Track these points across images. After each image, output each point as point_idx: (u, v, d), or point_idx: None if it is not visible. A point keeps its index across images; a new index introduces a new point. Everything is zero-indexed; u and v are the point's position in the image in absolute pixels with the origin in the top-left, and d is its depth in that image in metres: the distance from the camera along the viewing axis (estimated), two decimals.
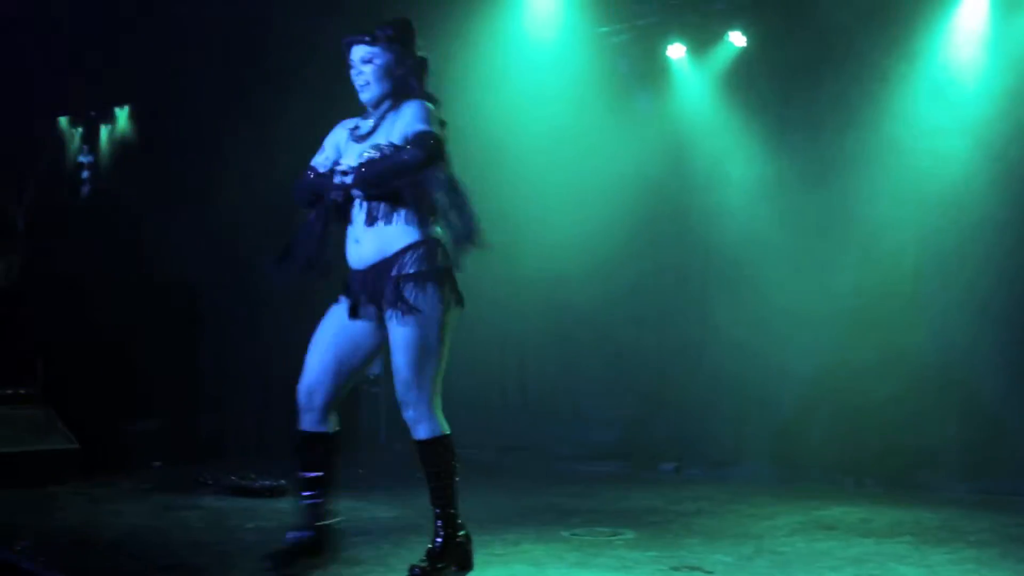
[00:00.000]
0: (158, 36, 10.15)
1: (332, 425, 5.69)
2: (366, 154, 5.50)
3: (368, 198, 5.51)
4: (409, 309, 5.39)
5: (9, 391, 9.11)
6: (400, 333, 5.41)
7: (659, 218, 9.94)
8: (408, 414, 5.52)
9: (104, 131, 11.89)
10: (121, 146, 11.67)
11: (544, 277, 10.37)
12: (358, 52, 5.68)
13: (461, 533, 5.68)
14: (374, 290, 5.51)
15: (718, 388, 9.69)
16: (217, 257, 10.53)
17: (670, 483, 9.18)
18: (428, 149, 5.37)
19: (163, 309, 10.38)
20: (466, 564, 5.70)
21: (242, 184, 10.30)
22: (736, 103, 9.68)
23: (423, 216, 5.53)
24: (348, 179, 5.49)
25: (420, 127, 5.42)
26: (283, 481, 8.32)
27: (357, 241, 5.60)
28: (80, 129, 11.90)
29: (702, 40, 9.74)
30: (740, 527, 7.15)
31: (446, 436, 5.57)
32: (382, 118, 5.62)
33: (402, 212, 5.47)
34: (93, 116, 11.86)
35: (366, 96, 5.67)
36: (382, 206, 5.49)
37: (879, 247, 9.07)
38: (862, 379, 8.96)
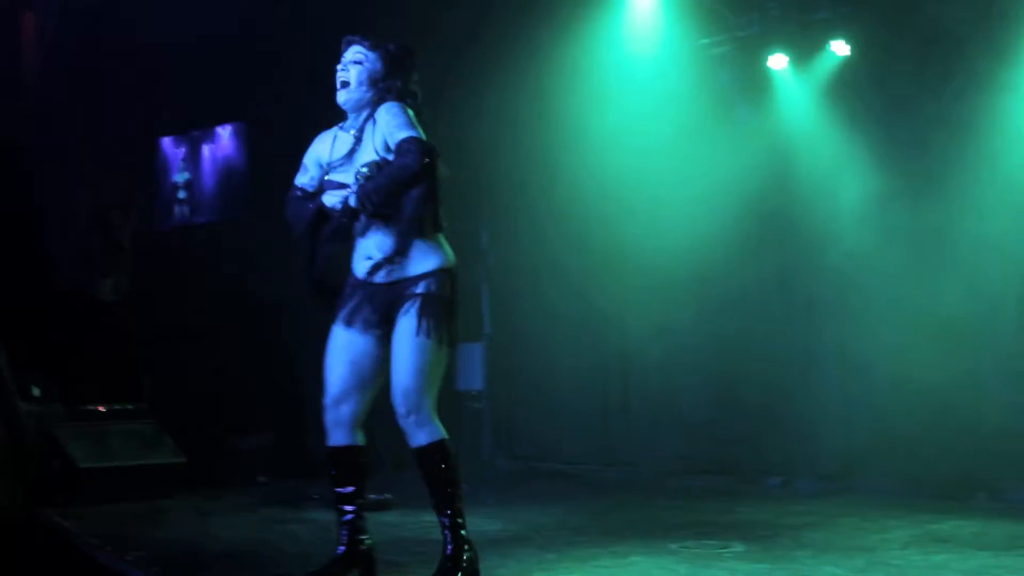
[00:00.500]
0: (261, 54, 10.24)
1: (361, 439, 5.70)
2: (363, 170, 5.46)
3: (375, 216, 5.47)
4: (429, 333, 5.40)
5: (117, 406, 9.22)
6: (406, 344, 5.41)
7: (763, 230, 9.83)
8: (407, 420, 5.48)
9: (206, 150, 12.04)
10: (224, 165, 11.80)
11: (647, 291, 10.31)
12: (352, 51, 5.66)
13: (467, 548, 5.57)
14: (385, 303, 5.51)
15: (824, 401, 9.57)
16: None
17: (777, 497, 9.07)
18: (420, 155, 5.32)
19: (269, 326, 10.46)
20: (473, 566, 5.59)
21: None
22: (839, 113, 9.56)
23: (435, 239, 5.55)
24: (351, 200, 5.43)
25: (403, 133, 5.38)
26: (389, 495, 8.36)
27: (369, 258, 5.57)
28: (183, 148, 12.05)
29: (804, 50, 9.62)
30: (851, 540, 7.03)
31: (445, 440, 5.53)
32: (361, 131, 5.57)
33: (414, 232, 5.47)
34: (196, 135, 12.01)
35: (341, 97, 5.63)
36: (390, 226, 5.48)
37: (989, 259, 8.88)
38: (973, 392, 8.80)
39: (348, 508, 5.71)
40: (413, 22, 9.56)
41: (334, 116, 5.74)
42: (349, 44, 5.68)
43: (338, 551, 5.72)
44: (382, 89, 5.59)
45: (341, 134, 5.66)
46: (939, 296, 9.03)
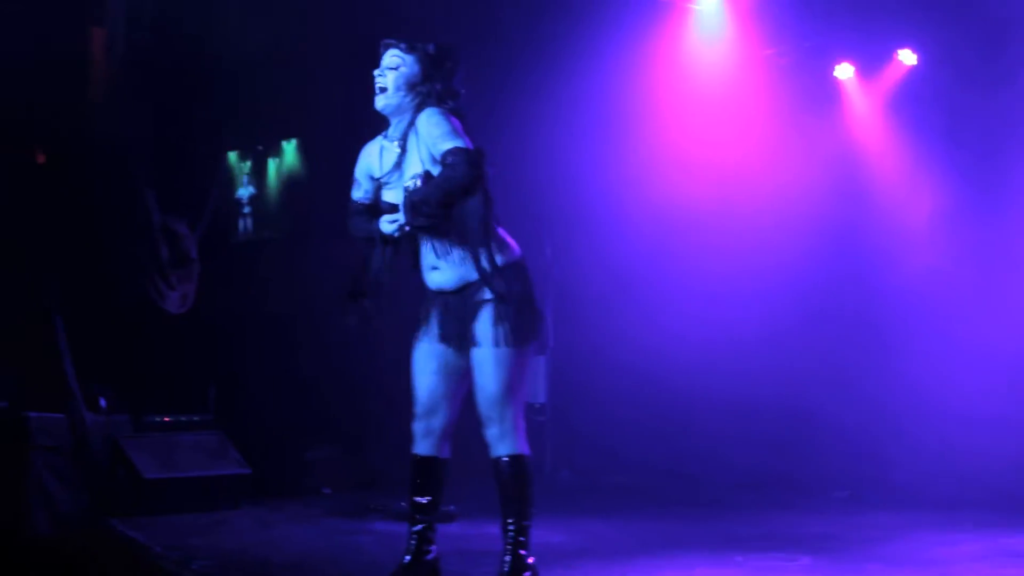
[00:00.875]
0: (327, 70, 10.27)
1: (446, 452, 5.68)
2: (409, 184, 5.40)
3: (429, 231, 5.42)
4: (499, 331, 5.37)
5: (183, 418, 9.27)
6: (486, 354, 5.40)
7: (830, 242, 9.79)
8: (492, 430, 5.47)
9: (272, 165, 12.09)
10: (288, 179, 11.84)
11: (713, 303, 10.26)
12: (389, 55, 5.57)
13: (531, 560, 5.58)
14: (459, 311, 5.48)
15: (892, 414, 9.49)
16: (390, 290, 10.57)
17: (842, 510, 8.96)
18: (467, 166, 5.26)
19: (334, 340, 10.46)
20: None
21: None
22: (907, 124, 9.51)
23: (497, 240, 5.47)
24: (401, 216, 5.39)
25: (447, 143, 5.31)
26: (452, 507, 8.32)
27: (435, 268, 5.54)
28: (248, 163, 12.10)
29: (871, 59, 9.58)
30: (922, 552, 6.94)
31: (526, 456, 5.52)
32: (405, 139, 5.49)
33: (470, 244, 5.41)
34: (261, 150, 12.06)
35: (379, 103, 5.55)
36: (448, 242, 5.44)
37: None
38: None
39: (421, 518, 5.71)
40: (474, 26, 9.58)
41: (382, 124, 5.70)
42: (386, 48, 5.60)
43: (404, 560, 5.72)
44: (421, 93, 5.51)
45: (386, 144, 5.61)
46: (1009, 311, 8.92)
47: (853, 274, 9.73)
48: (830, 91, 9.87)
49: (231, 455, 9.10)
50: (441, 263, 5.51)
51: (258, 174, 12.10)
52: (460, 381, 5.60)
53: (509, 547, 5.51)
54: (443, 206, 5.31)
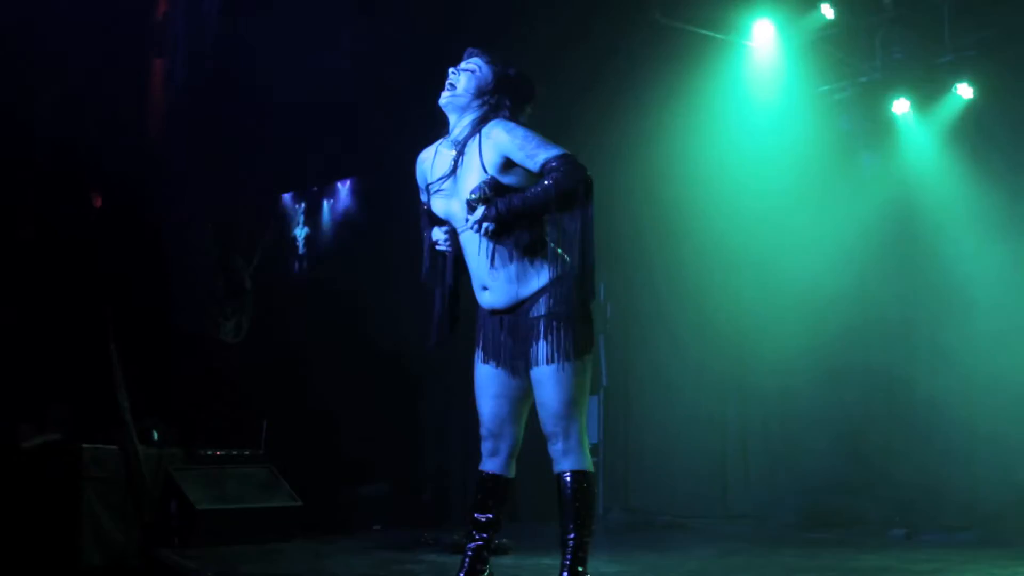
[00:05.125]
0: (382, 112, 10.33)
1: (511, 472, 5.55)
2: (471, 196, 5.24)
3: (493, 238, 5.29)
4: (557, 347, 5.23)
5: (235, 451, 9.27)
6: (544, 372, 5.25)
7: (886, 278, 9.70)
8: (557, 446, 5.31)
9: (326, 205, 12.17)
10: (343, 219, 11.91)
11: (766, 340, 10.19)
12: (469, 59, 5.49)
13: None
14: (513, 329, 5.37)
15: (948, 451, 9.35)
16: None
17: (900, 547, 8.82)
18: (578, 169, 5.10)
19: (386, 377, 10.48)
20: None
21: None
22: (964, 158, 9.43)
23: (551, 250, 5.29)
24: (487, 224, 5.23)
25: (550, 151, 5.15)
26: (505, 540, 8.26)
27: (485, 288, 5.41)
28: (303, 203, 12.19)
29: (927, 94, 9.53)
30: None
31: (591, 473, 5.36)
32: (464, 145, 5.35)
33: (526, 252, 5.28)
34: (315, 191, 12.15)
35: (444, 98, 5.41)
36: (507, 248, 5.31)
37: None
38: None
39: (478, 535, 5.57)
40: (534, 65, 9.58)
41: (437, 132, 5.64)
42: (470, 55, 5.53)
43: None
44: (487, 103, 5.41)
45: (442, 150, 5.48)
46: None
47: (908, 310, 9.64)
48: (886, 127, 9.80)
49: (282, 488, 9.09)
50: (492, 282, 5.39)
51: (312, 214, 12.18)
52: (523, 401, 5.46)
53: (567, 562, 5.40)
54: (525, 218, 5.22)
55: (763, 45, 10.09)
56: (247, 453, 9.33)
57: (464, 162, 5.35)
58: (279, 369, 9.92)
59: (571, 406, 5.27)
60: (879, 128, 9.84)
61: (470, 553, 5.57)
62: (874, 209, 9.72)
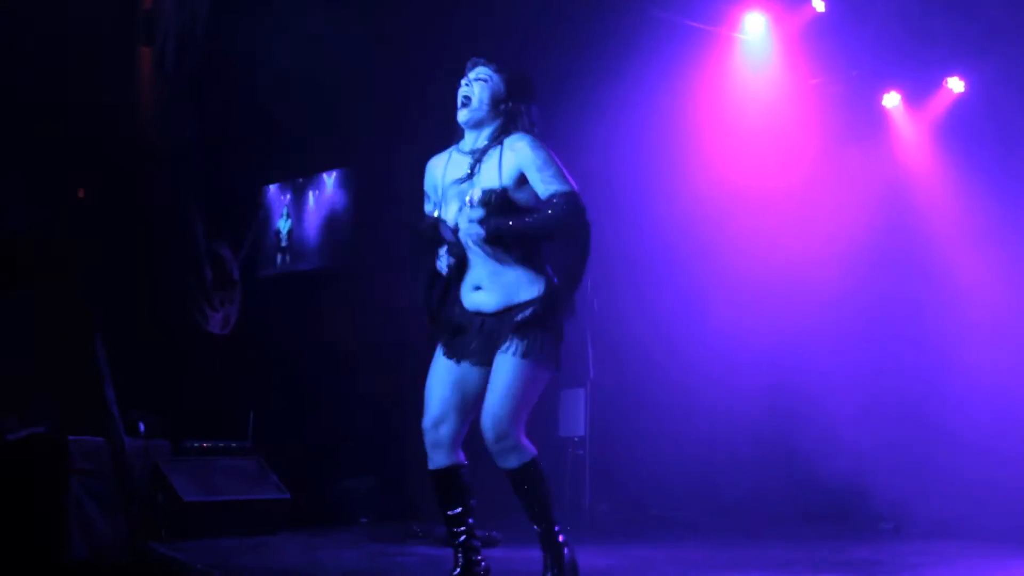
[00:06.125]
0: (369, 104, 10.27)
1: (461, 457, 5.63)
2: (477, 194, 5.42)
3: (488, 243, 5.42)
4: (526, 353, 5.36)
5: (221, 444, 9.22)
6: (508, 372, 5.38)
7: (877, 270, 9.68)
8: (498, 446, 5.44)
9: (311, 197, 12.08)
10: (329, 212, 11.83)
11: (756, 332, 10.16)
12: (476, 71, 5.62)
13: (563, 541, 5.65)
14: (493, 332, 5.46)
15: (936, 446, 9.35)
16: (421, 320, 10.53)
17: (889, 540, 8.85)
18: (574, 214, 5.31)
19: (370, 370, 10.43)
20: (575, 568, 5.69)
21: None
22: (955, 152, 9.43)
23: (540, 266, 5.46)
24: (478, 232, 5.40)
25: (558, 186, 5.33)
26: (495, 532, 8.24)
27: (478, 287, 5.51)
28: (287, 195, 12.10)
29: (918, 88, 9.52)
30: (977, 574, 6.79)
31: (535, 459, 5.51)
32: (483, 153, 5.51)
33: (525, 263, 5.43)
34: (301, 183, 12.06)
35: (463, 116, 5.57)
36: (505, 256, 5.43)
37: None
38: None
39: (459, 530, 5.65)
40: (518, 57, 9.55)
41: (444, 141, 5.70)
42: (474, 65, 5.66)
43: (455, 573, 5.64)
44: (505, 111, 5.55)
45: (456, 156, 5.61)
46: None
47: (903, 304, 9.62)
48: (877, 120, 9.80)
49: (270, 480, 9.05)
50: (489, 284, 5.49)
51: (298, 206, 12.09)
52: (474, 400, 5.55)
53: (548, 547, 5.60)
54: (521, 238, 5.36)
55: (755, 37, 10.07)
56: (234, 445, 9.29)
57: (482, 168, 5.49)
58: (266, 360, 9.87)
59: (513, 413, 5.40)
60: (870, 122, 9.83)
61: (460, 550, 5.64)
62: (865, 202, 9.71)
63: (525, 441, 5.47)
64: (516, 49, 9.63)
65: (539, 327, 5.37)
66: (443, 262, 5.54)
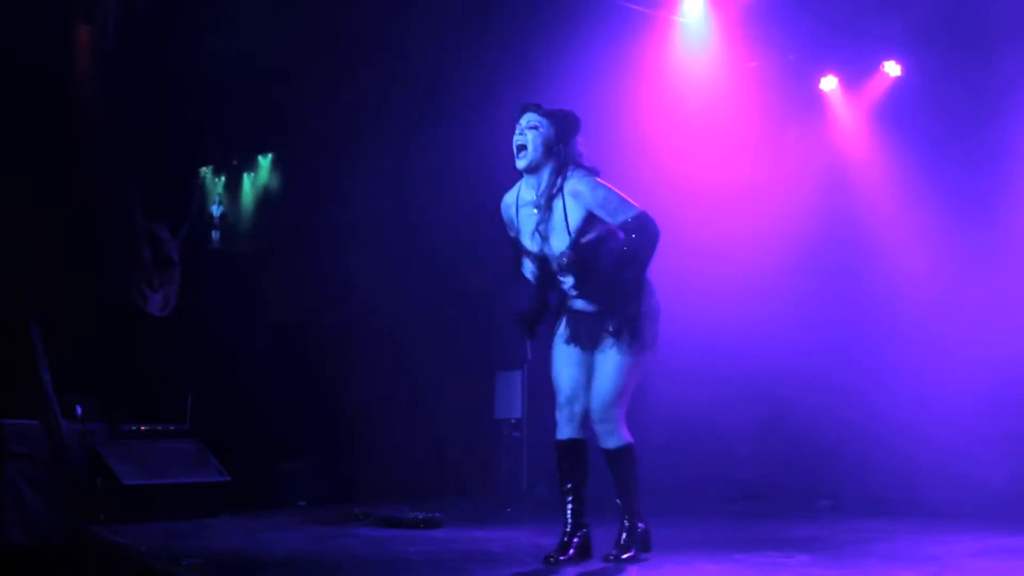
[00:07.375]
0: (305, 87, 10.20)
1: (584, 433, 6.33)
2: (563, 260, 6.06)
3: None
4: (623, 346, 6.08)
5: (159, 426, 9.15)
6: (613, 361, 6.10)
7: (812, 254, 9.75)
8: (602, 427, 6.22)
9: (247, 179, 12.02)
10: (263, 193, 11.78)
11: (694, 313, 10.17)
12: (528, 117, 6.12)
13: (641, 525, 6.40)
14: (595, 328, 6.15)
15: (873, 425, 9.45)
16: (365, 302, 10.52)
17: (827, 518, 8.93)
18: (654, 228, 6.06)
19: (311, 353, 10.40)
20: (647, 547, 6.44)
21: (380, 227, 10.37)
22: (892, 135, 9.52)
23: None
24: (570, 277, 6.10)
25: (630, 211, 6.03)
26: (438, 514, 8.25)
27: (579, 297, 6.20)
28: (222, 178, 12.03)
29: (855, 72, 9.60)
30: (917, 550, 6.90)
31: (632, 445, 6.29)
32: (550, 201, 6.04)
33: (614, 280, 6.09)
34: (236, 165, 11.99)
35: (521, 163, 6.09)
36: (599, 279, 6.12)
37: None
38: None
39: (573, 499, 6.31)
40: (451, 39, 9.57)
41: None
42: (524, 111, 6.17)
43: (565, 537, 6.30)
44: (558, 154, 6.07)
45: (523, 210, 6.18)
46: (990, 320, 8.93)
47: (840, 286, 9.70)
48: (815, 103, 9.87)
49: (210, 463, 8.99)
50: (583, 289, 6.18)
51: (232, 188, 12.03)
52: (591, 374, 6.21)
53: (626, 518, 6.33)
54: (613, 272, 6.07)
55: (693, 20, 10.11)
56: (172, 428, 9.23)
57: (551, 219, 6.09)
58: (203, 343, 9.79)
59: (616, 399, 6.15)
60: (807, 105, 9.90)
61: (572, 515, 6.31)
62: (803, 184, 9.79)
63: (624, 428, 6.23)
64: (452, 33, 9.67)
65: (632, 320, 6.06)
66: (527, 270, 6.23)
